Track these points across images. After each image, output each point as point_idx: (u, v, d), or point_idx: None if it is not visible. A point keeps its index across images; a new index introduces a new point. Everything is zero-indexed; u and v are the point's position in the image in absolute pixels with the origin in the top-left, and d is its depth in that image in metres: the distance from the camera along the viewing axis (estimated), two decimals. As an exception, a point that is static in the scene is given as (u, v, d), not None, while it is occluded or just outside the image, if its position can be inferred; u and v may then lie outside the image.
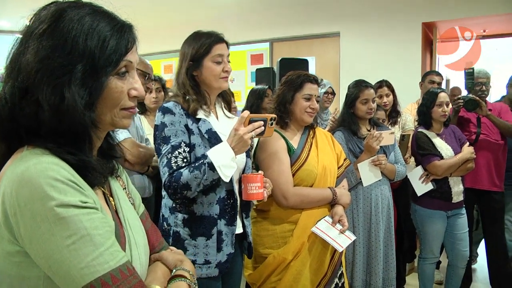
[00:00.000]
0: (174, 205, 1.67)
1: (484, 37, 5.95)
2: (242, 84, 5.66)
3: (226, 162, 1.56)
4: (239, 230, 1.75)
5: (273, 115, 1.66)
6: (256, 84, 3.96)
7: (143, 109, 2.70)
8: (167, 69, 6.27)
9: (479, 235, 3.74)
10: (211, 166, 1.54)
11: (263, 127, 1.61)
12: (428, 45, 5.13)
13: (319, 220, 2.01)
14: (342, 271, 2.14)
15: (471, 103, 3.13)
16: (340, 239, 1.99)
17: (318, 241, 2.00)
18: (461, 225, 2.95)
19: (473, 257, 3.91)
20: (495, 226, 3.38)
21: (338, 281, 2.09)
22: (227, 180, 1.59)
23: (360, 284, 2.59)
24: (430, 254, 2.99)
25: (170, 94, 1.80)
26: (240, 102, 5.27)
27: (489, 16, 4.73)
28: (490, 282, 3.47)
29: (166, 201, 1.71)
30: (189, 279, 0.94)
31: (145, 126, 2.59)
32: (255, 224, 2.05)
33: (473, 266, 3.95)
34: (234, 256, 1.74)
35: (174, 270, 0.97)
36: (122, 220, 0.91)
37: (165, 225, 1.69)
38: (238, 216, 1.74)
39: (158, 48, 5.96)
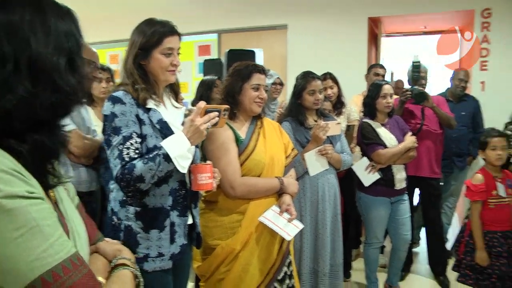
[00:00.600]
0: (124, 198, 1.62)
1: (425, 33, 6.24)
2: (189, 75, 5.59)
3: (183, 153, 1.54)
4: (189, 221, 1.75)
5: (227, 106, 1.66)
6: (204, 75, 3.93)
7: (91, 99, 2.60)
8: (113, 59, 6.07)
9: (421, 220, 3.94)
10: (167, 157, 1.51)
11: (218, 118, 1.60)
12: (374, 39, 5.29)
13: (267, 209, 2.04)
14: (290, 259, 2.17)
15: (420, 95, 3.27)
16: (288, 228, 2.02)
17: (266, 231, 2.01)
18: (403, 210, 3.08)
19: (415, 240, 4.13)
20: (433, 211, 3.59)
21: (287, 270, 2.12)
22: (184, 171, 1.57)
23: (308, 271, 2.65)
24: (374, 240, 3.11)
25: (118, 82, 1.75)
26: (187, 93, 5.21)
27: (431, 14, 4.97)
28: (429, 262, 3.69)
29: (116, 195, 1.66)
30: (132, 267, 0.93)
31: (92, 118, 2.50)
32: (203, 215, 2.03)
33: (416, 249, 4.17)
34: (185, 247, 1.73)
35: (114, 260, 0.95)
36: (63, 212, 0.88)
37: (115, 219, 1.63)
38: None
39: (103, 37, 5.76)
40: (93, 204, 2.24)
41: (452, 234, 4.16)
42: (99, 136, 2.24)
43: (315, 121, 2.69)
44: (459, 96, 3.96)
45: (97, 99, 2.65)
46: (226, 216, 2.03)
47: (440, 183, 3.73)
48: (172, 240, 1.65)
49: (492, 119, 3.48)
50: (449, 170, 3.93)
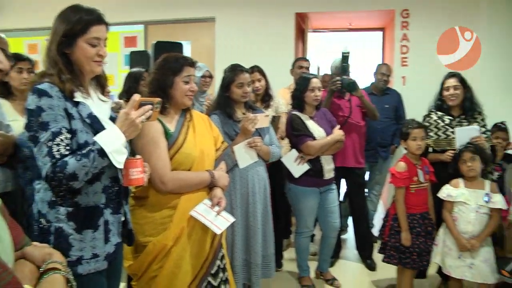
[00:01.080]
0: (54, 198, 1.51)
1: (350, 30, 6.50)
2: (115, 67, 5.37)
3: (118, 147, 1.48)
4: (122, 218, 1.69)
5: (159, 99, 1.61)
6: (131, 68, 3.80)
7: (7, 91, 2.40)
8: (31, 48, 5.66)
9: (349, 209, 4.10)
10: (101, 153, 1.44)
11: (151, 111, 1.55)
12: (301, 34, 5.41)
13: (199, 203, 2.01)
14: (223, 252, 2.17)
15: (351, 85, 3.39)
16: (218, 221, 2.01)
17: (198, 225, 1.99)
18: (332, 199, 3.20)
19: (343, 227, 4.31)
20: (359, 198, 3.77)
21: (220, 263, 2.11)
22: (121, 166, 1.51)
23: (241, 264, 2.66)
24: (305, 229, 3.20)
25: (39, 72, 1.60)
26: (113, 86, 5.00)
27: (355, 12, 5.18)
28: (356, 247, 3.87)
29: (43, 195, 1.53)
30: (63, 271, 0.87)
31: (9, 111, 2.31)
32: (134, 212, 1.96)
33: (344, 236, 4.35)
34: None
35: (44, 265, 0.88)
36: None
37: (43, 222, 1.51)
38: None
39: (21, 25, 5.37)
40: (11, 206, 2.07)
41: (377, 220, 4.40)
42: (14, 132, 2.08)
43: (244, 113, 2.70)
44: (382, 90, 4.17)
45: (17, 91, 2.46)
46: (157, 212, 1.97)
47: (366, 172, 3.92)
48: (106, 240, 1.59)
49: (413, 111, 3.70)
50: (374, 160, 4.13)
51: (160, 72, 2.04)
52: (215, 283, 2.06)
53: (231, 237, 2.61)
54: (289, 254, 3.80)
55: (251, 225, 2.64)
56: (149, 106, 1.55)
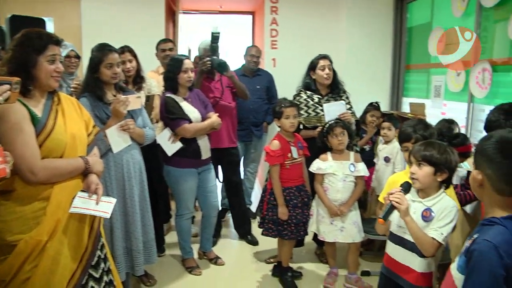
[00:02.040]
0: None
1: (221, 12, 6.55)
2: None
3: None
4: None
5: (17, 79, 1.44)
6: (-18, 45, 3.34)
7: None
8: None
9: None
10: None
11: (9, 92, 1.38)
12: (171, 15, 5.30)
13: (73, 198, 1.86)
14: (102, 242, 2.06)
15: (222, 65, 3.42)
16: (102, 207, 1.91)
17: (74, 216, 1.85)
18: (210, 179, 3.26)
19: (225, 207, 4.42)
20: (235, 177, 3.88)
21: (100, 253, 2.00)
22: None
23: (122, 252, 2.59)
24: (186, 210, 3.21)
25: None
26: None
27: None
28: (234, 225, 4.04)
29: None
30: None
31: None
32: (-3, 209, 1.75)
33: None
34: None
35: None
36: None
37: None
38: None
39: None
40: None
41: (255, 197, 4.58)
42: None
43: (114, 96, 2.57)
44: (253, 71, 4.30)
45: None
46: (27, 206, 1.77)
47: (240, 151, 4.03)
48: None
49: (284, 91, 3.86)
50: (249, 139, 4.27)
51: (20, 50, 1.81)
52: (96, 275, 1.95)
53: (109, 226, 2.51)
54: (170, 238, 3.78)
55: (129, 210, 2.57)
56: (7, 86, 1.40)
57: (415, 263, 1.92)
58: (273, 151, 2.94)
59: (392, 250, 2.03)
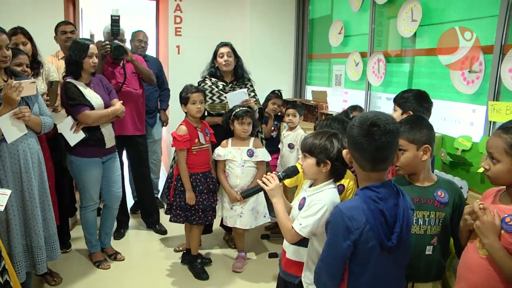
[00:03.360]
0: None
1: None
2: None
3: None
4: None
5: None
6: None
7: None
8: None
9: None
10: None
11: None
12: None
13: None
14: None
15: (119, 48, 3.29)
16: None
17: None
18: (115, 168, 3.16)
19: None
20: (143, 166, 3.80)
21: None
22: None
23: (22, 250, 2.42)
24: (90, 202, 3.08)
25: None
26: None
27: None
28: (142, 216, 4.01)
29: None
30: None
31: None
32: None
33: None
34: None
35: None
36: None
37: None
38: None
39: None
40: None
41: (161, 186, 4.50)
42: None
43: (5, 80, 2.35)
44: (141, 57, 4.11)
45: None
46: None
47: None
48: None
49: (188, 78, 3.74)
50: None
51: None
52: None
53: (5, 223, 2.32)
54: (76, 232, 3.60)
55: (28, 204, 2.39)
56: None
57: (289, 249, 1.95)
58: (180, 136, 2.93)
59: None
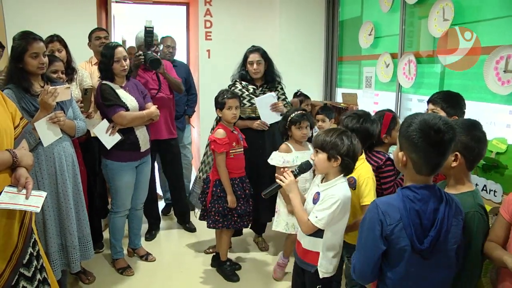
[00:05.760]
0: None
1: (154, 2, 6.40)
2: None
3: None
4: None
5: None
6: None
7: None
8: None
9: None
10: None
11: None
12: (103, 4, 5.10)
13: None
14: (35, 238, 1.96)
15: (155, 61, 3.33)
16: (32, 201, 1.81)
17: (2, 213, 1.74)
18: (146, 172, 3.21)
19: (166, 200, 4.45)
20: (176, 169, 3.86)
21: (32, 250, 1.90)
22: None
23: (57, 249, 2.50)
24: (122, 207, 3.11)
25: None
26: None
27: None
28: (175, 214, 4.12)
29: None
30: None
31: None
32: None
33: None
34: None
35: None
36: None
37: None
38: None
39: None
40: None
41: (191, 189, 4.56)
42: None
43: (42, 86, 2.45)
44: (170, 62, 4.17)
45: None
46: None
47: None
48: None
49: (219, 82, 3.79)
50: None
51: None
52: (28, 274, 1.85)
53: (42, 222, 2.41)
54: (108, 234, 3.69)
55: (63, 205, 2.47)
56: None
57: (304, 240, 2.04)
58: (220, 139, 2.90)
59: None
